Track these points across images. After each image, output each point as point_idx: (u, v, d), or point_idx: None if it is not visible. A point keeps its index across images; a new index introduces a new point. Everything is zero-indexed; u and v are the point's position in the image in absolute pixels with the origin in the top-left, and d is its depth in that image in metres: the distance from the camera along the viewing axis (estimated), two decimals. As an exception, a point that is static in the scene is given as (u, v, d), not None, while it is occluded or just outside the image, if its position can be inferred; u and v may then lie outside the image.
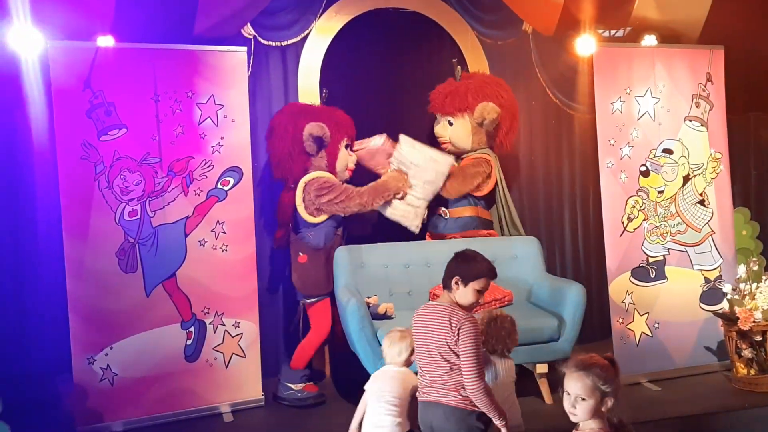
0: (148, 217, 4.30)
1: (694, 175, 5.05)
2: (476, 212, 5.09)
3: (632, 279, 4.88)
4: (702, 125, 5.10)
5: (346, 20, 5.24)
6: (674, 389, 4.67)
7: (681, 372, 4.89)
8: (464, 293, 3.06)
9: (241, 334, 4.52)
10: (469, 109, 4.99)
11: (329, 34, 5.22)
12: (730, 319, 4.62)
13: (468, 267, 3.08)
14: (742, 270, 4.75)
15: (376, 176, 4.95)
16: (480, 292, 3.08)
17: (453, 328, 2.96)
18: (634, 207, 4.90)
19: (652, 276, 4.92)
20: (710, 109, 5.13)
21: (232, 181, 4.49)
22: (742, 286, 4.69)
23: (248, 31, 5.06)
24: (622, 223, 4.88)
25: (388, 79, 5.50)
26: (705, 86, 5.12)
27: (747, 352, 4.56)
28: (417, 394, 3.18)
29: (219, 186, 4.46)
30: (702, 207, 5.06)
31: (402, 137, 4.91)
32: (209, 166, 4.44)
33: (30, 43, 4.10)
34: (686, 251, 5.02)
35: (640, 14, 5.28)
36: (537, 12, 5.44)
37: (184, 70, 4.38)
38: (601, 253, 5.01)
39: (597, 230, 5.46)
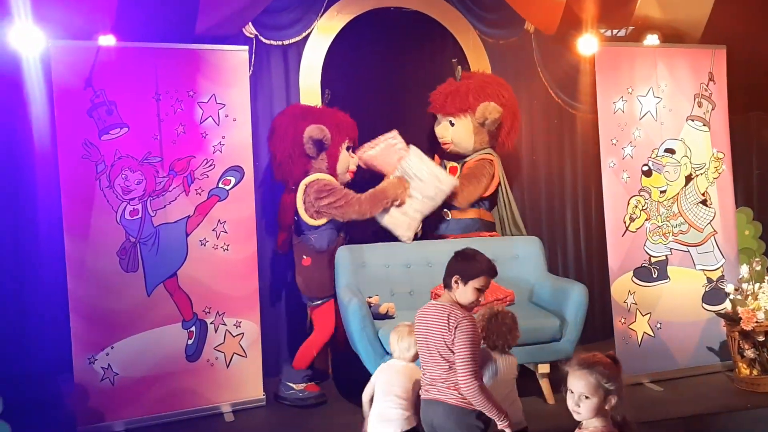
0: (150, 216, 4.30)
1: (697, 175, 5.04)
2: (479, 214, 5.09)
3: (634, 279, 4.87)
4: (704, 125, 5.09)
5: (348, 19, 5.23)
6: (676, 389, 4.67)
7: (683, 372, 4.88)
8: (464, 292, 3.05)
9: (243, 333, 4.51)
10: (470, 109, 4.98)
11: (331, 34, 5.22)
12: (732, 319, 4.61)
13: (467, 265, 3.08)
14: (744, 270, 4.74)
15: (379, 178, 4.95)
16: (480, 291, 3.07)
17: (450, 326, 2.96)
18: (636, 207, 4.89)
19: (655, 276, 4.91)
20: (712, 109, 5.12)
21: (233, 180, 4.49)
22: (744, 286, 4.68)
23: (250, 30, 5.05)
24: (625, 222, 4.87)
25: (390, 78, 5.49)
26: (707, 86, 5.11)
27: (749, 353, 4.55)
28: (420, 391, 3.18)
29: (220, 185, 4.46)
30: (704, 207, 5.05)
31: (413, 148, 4.88)
32: (210, 165, 4.43)
33: (31, 42, 4.10)
34: (688, 251, 5.01)
35: (642, 13, 5.27)
36: (539, 11, 5.44)
37: (186, 69, 4.38)
38: (603, 253, 5.00)
39: (599, 230, 5.45)
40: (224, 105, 4.46)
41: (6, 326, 4.55)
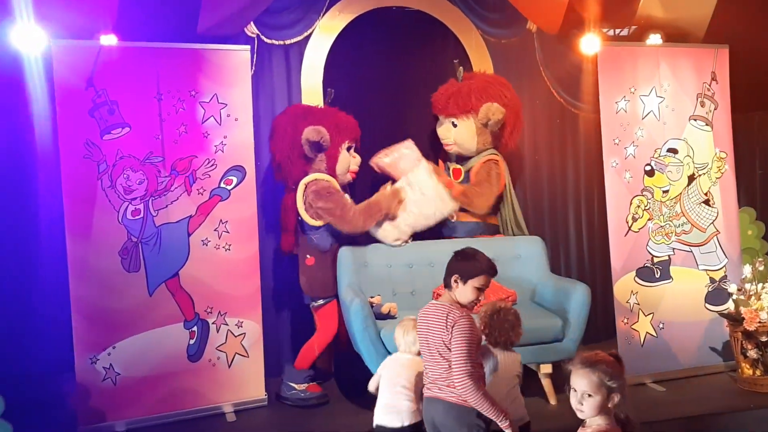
0: (151, 216, 4.29)
1: (699, 175, 5.03)
2: (483, 218, 5.08)
3: (637, 279, 4.86)
4: (707, 125, 5.08)
5: (350, 19, 5.23)
6: (679, 390, 4.66)
7: (686, 372, 4.87)
8: (464, 291, 3.06)
9: (244, 333, 4.51)
10: (473, 110, 4.97)
11: (332, 33, 5.21)
12: (735, 319, 4.60)
13: (467, 265, 3.08)
14: (747, 270, 4.72)
15: (381, 179, 4.94)
16: (480, 290, 3.07)
17: (448, 325, 2.97)
18: (638, 207, 4.88)
19: (657, 276, 4.90)
20: (715, 109, 5.11)
21: (235, 180, 4.49)
22: (747, 286, 4.67)
23: (251, 29, 5.05)
24: (627, 222, 4.86)
25: (392, 78, 5.48)
26: (710, 85, 5.10)
27: (752, 353, 4.54)
28: (423, 389, 3.19)
29: (222, 185, 4.46)
30: (707, 207, 5.04)
31: (424, 162, 4.87)
32: (212, 165, 4.43)
33: (33, 42, 4.11)
34: (691, 251, 5.00)
35: (645, 13, 5.27)
36: (541, 11, 5.43)
37: (187, 69, 4.37)
38: (606, 253, 4.99)
39: (601, 230, 5.45)
40: (226, 105, 4.45)
41: (8, 326, 4.56)
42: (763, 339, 4.50)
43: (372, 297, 4.49)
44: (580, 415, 2.40)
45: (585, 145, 5.84)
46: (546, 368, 4.39)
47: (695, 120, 5.05)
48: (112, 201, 4.21)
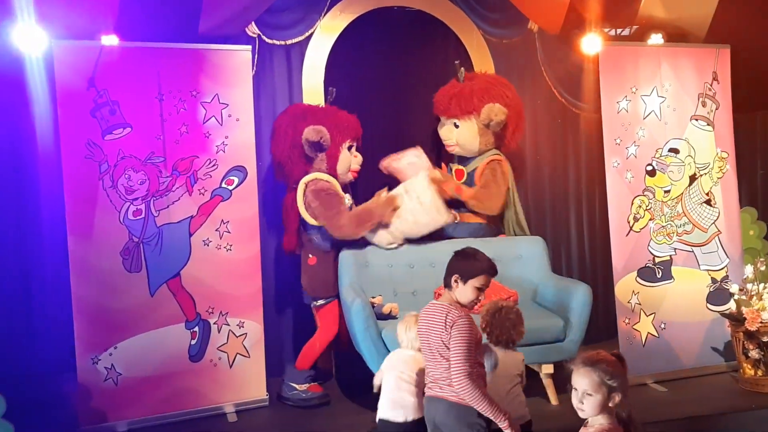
0: (153, 216, 4.30)
1: (701, 175, 5.03)
2: (485, 219, 5.08)
3: (638, 279, 4.86)
4: (708, 124, 5.08)
5: (351, 19, 5.22)
6: (681, 390, 4.65)
7: (688, 373, 4.87)
8: (464, 291, 3.06)
9: (246, 333, 4.51)
10: (475, 111, 4.96)
11: (334, 33, 5.21)
12: (737, 319, 4.60)
13: (467, 264, 3.08)
14: (749, 270, 4.73)
15: (382, 180, 4.93)
16: (480, 290, 3.08)
17: (447, 325, 2.98)
18: (640, 207, 4.88)
19: (659, 276, 4.90)
20: (716, 109, 5.10)
21: (236, 180, 4.49)
22: (749, 286, 4.66)
23: (252, 30, 5.05)
24: (628, 222, 4.86)
25: (393, 78, 5.48)
26: (711, 85, 5.10)
27: (754, 353, 4.53)
28: (424, 388, 3.20)
29: (223, 185, 4.46)
30: (708, 207, 5.04)
31: (423, 173, 4.84)
32: (214, 165, 4.43)
33: (34, 42, 4.10)
34: (693, 251, 5.00)
35: (646, 13, 5.26)
36: (543, 10, 5.43)
37: (189, 69, 4.37)
38: (607, 253, 4.99)
39: (603, 230, 5.44)
40: (227, 105, 4.45)
41: (9, 326, 4.56)
42: (765, 339, 4.49)
43: (373, 297, 4.49)
44: (581, 414, 2.40)
45: (586, 145, 5.84)
46: (547, 368, 4.39)
47: (697, 120, 5.05)
48: (113, 201, 4.22)
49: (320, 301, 4.71)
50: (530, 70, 5.68)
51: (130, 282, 4.25)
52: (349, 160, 4.85)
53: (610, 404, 2.33)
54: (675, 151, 4.98)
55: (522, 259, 4.97)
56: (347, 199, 4.80)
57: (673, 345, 4.88)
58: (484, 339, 3.55)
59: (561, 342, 4.38)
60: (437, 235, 4.99)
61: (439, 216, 4.78)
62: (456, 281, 3.06)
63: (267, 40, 5.11)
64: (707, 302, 5.00)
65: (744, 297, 4.65)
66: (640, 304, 4.83)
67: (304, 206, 4.63)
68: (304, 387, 4.60)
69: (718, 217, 5.06)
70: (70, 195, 4.15)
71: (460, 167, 5.16)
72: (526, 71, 5.67)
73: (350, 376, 4.98)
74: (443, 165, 5.29)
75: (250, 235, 4.53)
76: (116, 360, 4.21)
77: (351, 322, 4.25)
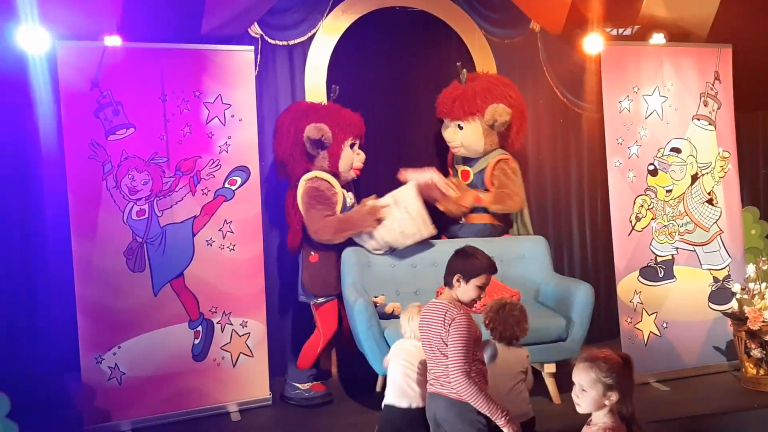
0: (156, 216, 4.31)
1: (703, 174, 5.04)
2: (491, 219, 5.09)
3: (640, 278, 4.86)
4: (710, 124, 5.08)
5: (353, 19, 5.23)
6: (683, 389, 4.66)
7: (690, 372, 4.88)
8: (466, 290, 3.09)
9: (249, 333, 4.52)
10: (478, 112, 4.96)
11: (336, 34, 5.21)
12: (739, 318, 4.60)
13: (469, 264, 3.11)
14: (751, 269, 4.73)
15: (382, 179, 4.94)
16: (481, 288, 3.11)
17: (446, 323, 3.00)
18: (642, 206, 4.89)
19: (661, 275, 4.91)
20: (718, 108, 5.11)
21: (239, 180, 4.50)
22: (751, 285, 4.67)
23: (255, 30, 5.06)
24: (630, 222, 4.87)
25: (395, 77, 5.48)
26: (713, 85, 5.10)
27: (756, 352, 4.54)
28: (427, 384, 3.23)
29: (226, 185, 4.47)
30: (710, 206, 5.05)
31: (412, 183, 4.81)
32: (217, 165, 4.44)
33: (38, 43, 4.11)
34: (695, 250, 5.00)
35: (648, 12, 5.26)
36: (545, 10, 5.43)
37: (192, 70, 4.38)
38: (609, 252, 5.00)
39: (605, 229, 5.45)
40: (230, 105, 4.46)
41: (13, 326, 4.57)
42: (767, 338, 4.50)
43: (376, 297, 4.50)
44: (578, 409, 2.43)
45: (588, 144, 5.84)
46: (550, 368, 4.39)
47: (698, 119, 5.06)
48: (117, 201, 4.23)
49: (320, 299, 4.71)
50: (532, 69, 5.69)
51: (133, 282, 4.26)
52: (352, 158, 4.84)
53: (606, 402, 2.35)
54: (677, 150, 4.98)
55: (524, 258, 4.98)
56: (349, 198, 4.81)
57: (675, 344, 4.89)
58: (488, 336, 3.57)
59: (563, 341, 4.39)
60: (439, 235, 5.00)
61: (425, 228, 4.75)
62: (458, 281, 3.08)
63: (270, 40, 5.12)
64: (709, 301, 5.01)
65: (746, 296, 4.66)
66: (642, 303, 4.84)
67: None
68: (306, 386, 4.61)
69: (720, 217, 5.06)
70: (73, 195, 4.16)
71: (466, 168, 5.16)
72: (528, 71, 5.67)
73: (353, 376, 4.99)
74: (450, 170, 5.31)
75: (253, 235, 4.54)
76: (120, 359, 4.22)
77: (354, 322, 4.26)
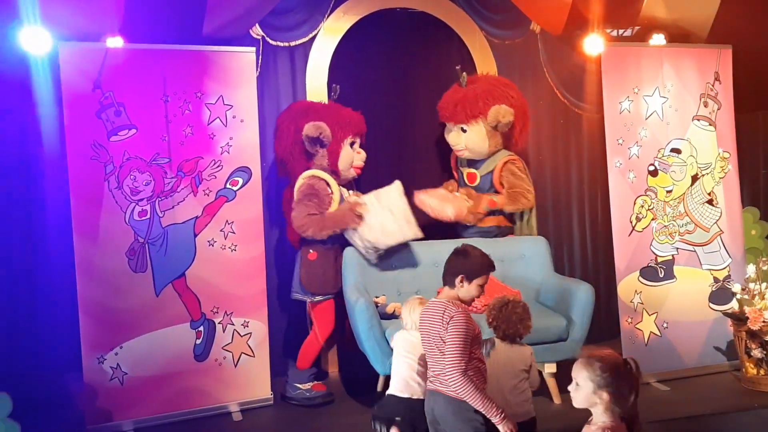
0: (158, 217, 4.32)
1: (703, 175, 5.05)
2: (498, 221, 5.10)
3: (641, 279, 4.87)
4: (710, 125, 5.09)
5: (354, 20, 5.24)
6: (683, 389, 4.67)
7: (690, 372, 4.89)
8: (469, 289, 3.13)
9: (250, 333, 4.53)
10: (481, 114, 4.97)
11: (337, 35, 5.23)
12: (739, 318, 4.61)
13: (471, 264, 3.14)
14: (751, 270, 4.74)
15: (381, 180, 4.96)
16: (482, 287, 3.16)
17: (444, 321, 3.03)
18: (642, 206, 4.90)
19: (661, 276, 4.92)
20: (718, 109, 5.12)
21: (241, 181, 4.51)
22: (751, 285, 4.68)
23: (257, 31, 5.08)
24: (631, 222, 4.88)
25: (396, 78, 5.50)
26: (713, 85, 5.11)
27: (756, 352, 4.55)
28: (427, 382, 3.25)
29: (228, 186, 4.48)
30: (710, 206, 5.06)
31: (397, 183, 4.78)
32: (218, 166, 4.45)
33: (40, 44, 4.11)
34: (695, 251, 5.01)
35: (648, 13, 5.27)
36: (545, 11, 5.43)
37: (193, 71, 4.40)
38: (610, 252, 5.01)
39: (605, 230, 5.46)
40: (232, 106, 4.48)
41: (16, 326, 4.58)
42: (767, 338, 4.51)
43: (377, 297, 4.51)
44: (573, 403, 2.46)
45: (588, 145, 5.86)
46: (550, 367, 4.40)
47: (698, 120, 5.07)
48: (119, 202, 4.24)
49: (317, 297, 4.70)
50: (532, 70, 5.70)
51: (135, 282, 4.27)
52: (351, 157, 4.84)
53: (597, 400, 2.37)
54: (677, 151, 4.99)
55: (525, 258, 4.99)
56: (347, 195, 4.81)
57: (676, 344, 4.90)
58: (492, 334, 3.58)
59: (564, 341, 4.40)
60: (441, 235, 5.00)
61: (407, 228, 4.67)
62: (462, 281, 3.11)
63: (271, 41, 5.14)
64: (709, 302, 5.02)
65: (746, 296, 4.67)
66: (642, 303, 4.85)
67: None
68: (307, 386, 4.62)
69: (720, 217, 5.07)
70: (75, 196, 4.17)
71: (473, 170, 5.17)
72: (528, 72, 5.68)
73: (354, 375, 5.00)
74: (454, 173, 5.32)
75: (254, 236, 4.55)
76: (122, 359, 4.23)
77: (355, 322, 4.27)
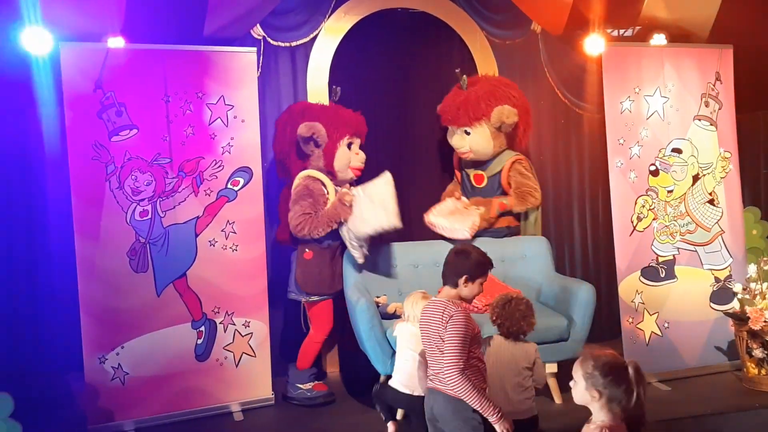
0: (159, 217, 4.32)
1: (704, 175, 5.05)
2: (508, 222, 5.11)
3: (642, 278, 4.87)
4: (711, 124, 5.09)
5: (355, 21, 5.25)
6: (684, 389, 4.67)
7: (691, 372, 4.89)
8: (471, 289, 3.16)
9: (251, 333, 4.53)
10: (484, 116, 4.97)
11: (338, 35, 5.23)
12: (740, 318, 4.61)
13: (473, 264, 3.16)
14: (752, 269, 4.74)
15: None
16: (482, 284, 3.20)
17: (444, 320, 3.04)
18: (643, 206, 4.90)
19: (662, 275, 4.92)
20: (719, 109, 5.12)
21: (242, 181, 4.51)
22: (752, 285, 4.68)
23: (258, 32, 5.08)
24: (632, 222, 4.88)
25: (397, 79, 5.50)
26: (714, 85, 5.11)
27: (758, 352, 4.55)
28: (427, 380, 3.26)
29: (229, 186, 4.48)
30: (711, 206, 5.06)
31: (386, 174, 4.74)
32: (219, 166, 4.45)
33: (41, 44, 4.11)
34: (696, 251, 5.01)
35: (649, 13, 5.27)
36: (546, 11, 5.44)
37: (195, 71, 4.40)
38: (611, 252, 5.00)
39: (606, 230, 5.46)
40: (233, 106, 4.48)
41: (17, 326, 4.59)
42: (768, 338, 4.51)
43: (378, 297, 4.51)
44: (574, 397, 2.47)
45: (589, 145, 5.86)
46: (551, 367, 4.39)
47: (699, 120, 5.07)
48: (120, 202, 4.24)
49: (314, 298, 4.68)
50: (533, 70, 5.70)
51: (136, 282, 4.27)
52: (348, 157, 4.82)
53: (590, 398, 2.38)
54: (678, 151, 4.99)
55: (526, 258, 4.99)
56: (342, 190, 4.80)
57: (677, 344, 4.90)
58: (495, 331, 3.59)
59: (565, 341, 4.40)
60: (441, 235, 5.00)
61: (385, 216, 4.55)
62: (466, 281, 3.13)
63: (272, 41, 5.14)
64: (710, 301, 5.02)
65: (747, 296, 4.67)
66: (643, 303, 4.85)
67: None
68: (308, 386, 4.62)
69: (721, 217, 5.07)
70: (77, 196, 4.17)
71: (479, 172, 5.18)
72: (529, 72, 5.68)
73: (355, 375, 5.00)
74: (456, 173, 5.32)
75: (255, 236, 4.55)
76: (123, 359, 4.24)
77: (356, 322, 4.28)
